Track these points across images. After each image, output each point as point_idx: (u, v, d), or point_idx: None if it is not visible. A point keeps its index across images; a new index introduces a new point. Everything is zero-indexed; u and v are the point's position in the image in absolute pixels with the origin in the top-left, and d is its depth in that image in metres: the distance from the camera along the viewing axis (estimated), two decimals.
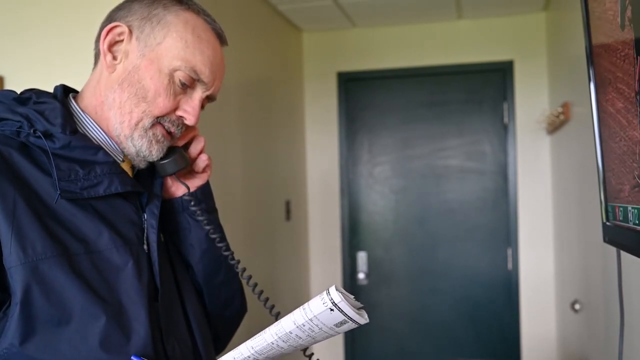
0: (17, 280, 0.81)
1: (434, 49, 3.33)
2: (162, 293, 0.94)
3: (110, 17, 0.97)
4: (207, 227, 1.03)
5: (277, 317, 0.91)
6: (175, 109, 0.96)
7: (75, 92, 1.02)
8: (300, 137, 3.45)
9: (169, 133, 0.98)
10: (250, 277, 1.01)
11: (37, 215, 0.84)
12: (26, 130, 0.88)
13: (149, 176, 1.04)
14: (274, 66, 3.08)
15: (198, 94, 0.97)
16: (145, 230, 0.95)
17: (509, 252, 3.25)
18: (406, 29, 3.37)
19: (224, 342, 1.16)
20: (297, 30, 3.43)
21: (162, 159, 0.99)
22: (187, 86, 0.95)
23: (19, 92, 0.95)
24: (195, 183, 1.06)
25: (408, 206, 3.39)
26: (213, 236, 1.02)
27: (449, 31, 3.32)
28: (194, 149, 1.06)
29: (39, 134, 0.87)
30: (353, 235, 3.47)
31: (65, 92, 1.00)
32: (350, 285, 3.44)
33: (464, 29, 3.30)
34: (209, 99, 1.01)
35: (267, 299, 0.97)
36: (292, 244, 3.26)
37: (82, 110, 0.97)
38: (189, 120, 0.97)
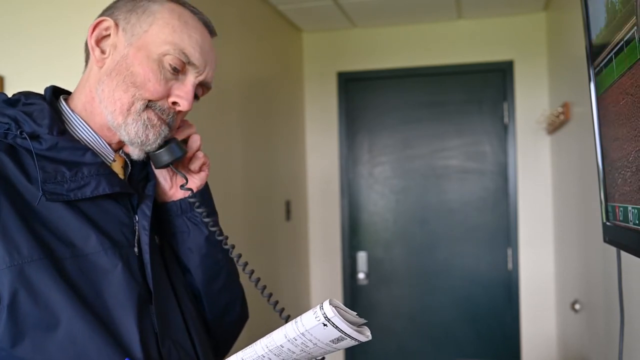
0: (4, 284, 0.80)
1: (434, 49, 3.33)
2: (156, 296, 0.92)
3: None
4: (213, 229, 1.00)
5: (287, 320, 0.88)
6: (168, 95, 0.94)
7: (68, 93, 1.01)
8: (301, 137, 3.45)
9: (164, 121, 0.95)
10: (258, 280, 0.98)
11: (23, 217, 0.82)
12: (13, 132, 0.87)
13: (142, 179, 1.02)
14: (274, 66, 3.08)
15: (190, 79, 0.95)
16: (137, 232, 0.93)
17: (509, 252, 3.25)
18: (406, 29, 3.37)
19: (223, 351, 1.13)
20: (297, 30, 3.43)
21: (157, 149, 0.97)
22: (179, 71, 0.94)
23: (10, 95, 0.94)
24: (194, 183, 1.04)
25: (408, 206, 3.39)
26: (219, 238, 1.00)
27: (449, 31, 3.32)
28: (192, 146, 1.03)
29: (25, 135, 0.87)
30: (353, 235, 3.47)
31: (56, 93, 0.99)
32: (350, 285, 3.44)
33: (464, 29, 3.30)
34: (203, 87, 0.99)
35: (276, 302, 0.95)
36: (292, 244, 3.26)
37: (72, 110, 0.96)
38: (182, 105, 0.94)
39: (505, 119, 3.26)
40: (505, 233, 3.26)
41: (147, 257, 0.93)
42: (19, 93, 0.94)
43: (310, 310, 0.73)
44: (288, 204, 3.18)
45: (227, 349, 1.14)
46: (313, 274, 3.51)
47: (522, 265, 3.23)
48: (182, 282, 1.03)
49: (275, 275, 2.99)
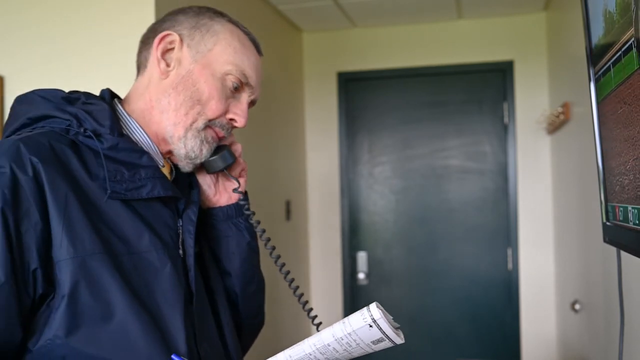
0: (65, 274, 0.83)
1: (434, 49, 3.33)
2: (197, 298, 0.96)
3: (155, 29, 1.01)
4: (258, 231, 1.08)
5: (317, 324, 0.96)
6: (226, 112, 1.00)
7: (119, 97, 1.05)
8: (300, 137, 3.45)
9: (218, 137, 1.02)
10: (297, 287, 1.06)
11: (86, 212, 0.86)
12: (75, 129, 0.91)
13: (187, 185, 1.07)
14: (274, 66, 3.08)
15: (245, 97, 1.03)
16: (181, 236, 0.98)
17: (509, 252, 3.26)
18: (406, 29, 3.37)
19: (243, 353, 1.18)
20: (297, 30, 3.43)
21: (210, 156, 1.03)
22: (237, 90, 1.01)
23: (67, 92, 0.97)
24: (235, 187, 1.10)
25: (408, 206, 3.39)
26: (263, 239, 1.08)
27: (449, 31, 3.32)
28: (235, 152, 1.10)
29: (90, 133, 0.90)
30: (353, 235, 3.47)
31: (110, 96, 1.03)
32: (350, 285, 3.44)
33: (464, 29, 3.30)
34: (252, 103, 1.06)
35: (311, 309, 1.02)
36: (292, 244, 3.26)
37: (129, 114, 0.99)
38: (240, 122, 1.02)
39: (505, 119, 3.26)
40: (505, 233, 3.26)
41: (191, 260, 0.97)
42: (77, 92, 0.98)
43: (358, 312, 0.78)
44: (288, 204, 3.18)
45: (245, 352, 1.20)
46: (313, 274, 3.51)
47: (522, 265, 3.23)
48: (221, 285, 1.09)
49: (275, 276, 2.98)
